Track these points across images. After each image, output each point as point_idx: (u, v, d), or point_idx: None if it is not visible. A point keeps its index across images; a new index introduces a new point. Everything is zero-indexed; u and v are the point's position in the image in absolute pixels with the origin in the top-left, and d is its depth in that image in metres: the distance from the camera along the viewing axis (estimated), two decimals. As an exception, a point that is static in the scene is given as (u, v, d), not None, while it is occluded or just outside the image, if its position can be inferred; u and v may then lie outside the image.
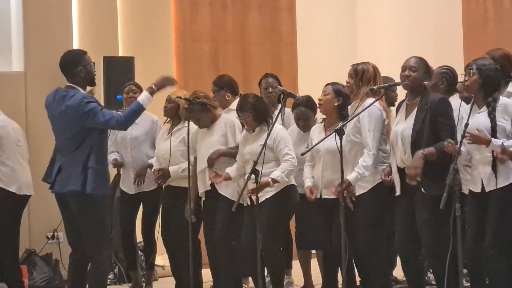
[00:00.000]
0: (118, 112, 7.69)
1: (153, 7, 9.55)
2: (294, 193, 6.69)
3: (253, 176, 6.02)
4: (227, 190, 6.82)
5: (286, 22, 10.32)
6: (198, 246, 7.21)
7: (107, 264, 6.12)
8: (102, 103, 8.37)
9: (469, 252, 5.68)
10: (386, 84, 6.21)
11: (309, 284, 7.51)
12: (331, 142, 6.03)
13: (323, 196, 6.44)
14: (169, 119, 7.46)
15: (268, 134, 6.26)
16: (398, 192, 5.97)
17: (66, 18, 8.73)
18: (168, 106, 7.37)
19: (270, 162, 6.51)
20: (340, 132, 5.76)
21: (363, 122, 6.12)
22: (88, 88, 6.26)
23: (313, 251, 7.38)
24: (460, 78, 6.08)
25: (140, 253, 8.09)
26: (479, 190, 5.73)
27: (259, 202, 6.41)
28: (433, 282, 6.39)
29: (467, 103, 5.84)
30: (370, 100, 6.12)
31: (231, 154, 6.89)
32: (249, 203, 6.62)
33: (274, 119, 6.48)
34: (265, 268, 6.63)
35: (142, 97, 6.06)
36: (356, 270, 6.54)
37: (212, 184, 6.87)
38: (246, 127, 6.76)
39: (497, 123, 5.64)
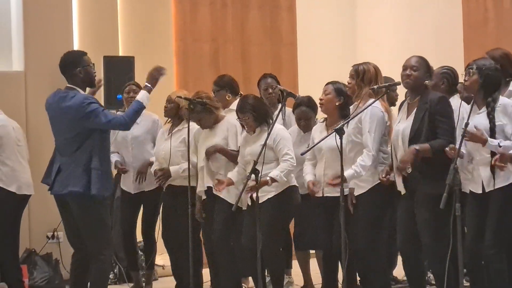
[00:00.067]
0: (118, 112, 7.73)
1: (153, 7, 9.55)
2: (295, 194, 6.69)
3: (253, 176, 6.02)
4: (226, 194, 6.81)
5: (286, 22, 10.32)
6: (199, 245, 7.21)
7: (108, 263, 6.13)
8: (102, 102, 8.38)
9: (469, 252, 5.68)
10: (387, 84, 6.21)
11: (308, 284, 7.51)
12: (333, 140, 6.02)
13: (325, 194, 6.45)
14: (169, 119, 7.45)
15: (268, 134, 6.26)
16: (403, 191, 5.97)
17: (66, 18, 8.73)
18: (168, 106, 7.37)
19: (271, 162, 6.51)
20: (340, 132, 5.76)
21: (364, 123, 6.12)
22: (90, 89, 6.27)
23: (312, 251, 7.38)
24: (461, 78, 6.08)
25: (140, 252, 8.09)
26: (480, 191, 5.74)
27: (260, 202, 6.43)
28: (433, 282, 6.39)
29: (468, 103, 5.84)
30: (372, 101, 6.11)
31: (228, 154, 6.87)
32: (249, 204, 6.62)
33: (274, 119, 6.48)
34: (265, 268, 6.64)
35: (141, 96, 6.09)
36: (356, 270, 6.54)
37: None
38: (246, 129, 6.75)
39: (496, 123, 5.64)
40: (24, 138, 7.50)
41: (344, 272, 5.83)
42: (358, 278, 6.55)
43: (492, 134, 5.62)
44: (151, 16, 9.53)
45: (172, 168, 7.20)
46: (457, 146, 5.51)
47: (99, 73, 8.28)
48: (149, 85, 6.15)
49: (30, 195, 7.30)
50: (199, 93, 7.03)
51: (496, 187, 5.67)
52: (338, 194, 5.83)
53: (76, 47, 8.74)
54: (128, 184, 7.72)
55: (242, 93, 7.58)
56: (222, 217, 6.84)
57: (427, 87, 5.97)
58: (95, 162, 5.90)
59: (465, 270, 5.72)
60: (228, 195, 6.78)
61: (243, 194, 6.11)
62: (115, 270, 8.30)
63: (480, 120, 5.66)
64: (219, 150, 6.88)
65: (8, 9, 8.71)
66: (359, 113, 6.06)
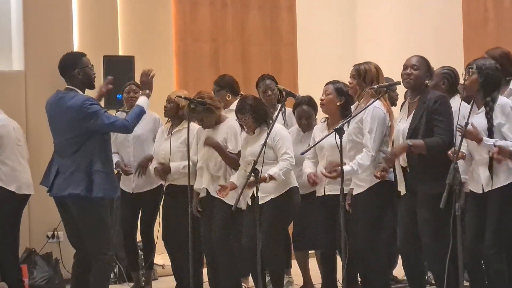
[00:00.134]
0: (118, 112, 7.73)
1: (153, 6, 9.56)
2: (296, 194, 6.70)
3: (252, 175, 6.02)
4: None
5: (286, 22, 10.33)
6: (199, 245, 7.20)
7: (109, 263, 6.14)
8: (102, 102, 8.39)
9: (469, 252, 5.68)
10: (387, 84, 6.21)
11: (308, 284, 7.52)
12: (334, 139, 6.01)
13: (327, 193, 6.45)
14: (169, 119, 7.45)
15: (268, 134, 6.25)
16: (403, 191, 5.97)
17: (66, 18, 8.73)
18: (168, 106, 7.37)
19: (271, 162, 6.50)
20: (340, 131, 5.76)
21: (365, 123, 6.12)
22: (98, 93, 6.26)
23: (311, 251, 7.39)
24: (462, 78, 6.08)
25: (140, 252, 8.09)
26: (480, 191, 5.74)
27: (262, 203, 6.46)
28: (433, 282, 6.38)
29: (468, 103, 5.84)
30: (372, 100, 6.10)
31: (223, 153, 6.84)
32: (250, 204, 6.61)
33: (274, 119, 6.48)
34: (265, 268, 6.64)
35: (142, 101, 6.14)
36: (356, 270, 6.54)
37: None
38: (245, 129, 6.75)
39: (494, 123, 5.64)
40: (24, 138, 7.50)
41: (344, 272, 5.83)
42: (359, 279, 6.55)
43: (490, 134, 5.62)
44: (151, 16, 9.53)
45: (172, 164, 7.19)
46: (457, 146, 5.51)
47: (99, 73, 8.29)
48: (146, 91, 6.16)
49: (30, 195, 7.30)
50: (201, 93, 7.03)
51: (494, 187, 5.67)
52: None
53: (76, 46, 8.75)
54: (127, 184, 7.72)
55: (242, 93, 7.57)
56: (221, 217, 6.84)
57: (428, 86, 5.97)
58: (98, 165, 5.91)
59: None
60: (227, 198, 6.77)
61: (243, 193, 6.12)
62: (115, 270, 8.29)
63: (478, 120, 5.66)
64: (216, 146, 6.86)
65: (8, 9, 8.71)
66: (359, 113, 6.06)
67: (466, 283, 5.90)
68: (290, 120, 7.52)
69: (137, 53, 8.96)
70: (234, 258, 6.89)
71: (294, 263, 7.62)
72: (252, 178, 5.99)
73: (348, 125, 6.16)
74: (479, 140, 5.56)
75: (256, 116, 6.66)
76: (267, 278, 6.93)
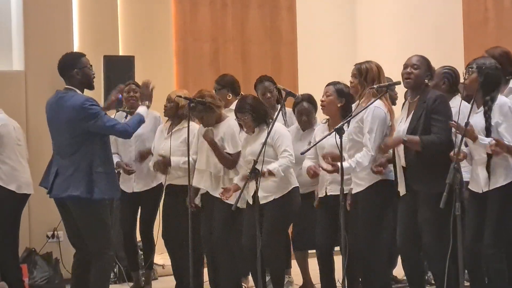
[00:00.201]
0: (117, 112, 7.72)
1: (154, 6, 9.56)
2: (297, 195, 6.70)
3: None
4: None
5: (286, 21, 10.33)
6: (199, 245, 7.21)
7: (109, 263, 6.15)
8: (102, 102, 8.39)
9: (469, 252, 5.67)
10: (387, 83, 6.20)
11: (308, 283, 7.52)
12: (334, 139, 6.01)
13: (328, 193, 6.45)
14: (169, 119, 7.46)
15: (268, 133, 6.25)
16: (403, 191, 5.97)
17: (66, 17, 8.73)
18: (168, 105, 7.37)
19: (271, 161, 6.49)
20: (340, 131, 5.76)
21: (365, 123, 6.11)
22: (111, 97, 6.26)
23: (311, 250, 7.38)
24: (462, 78, 6.08)
25: (140, 252, 8.10)
26: (479, 191, 5.73)
27: (265, 202, 6.48)
28: (433, 282, 6.38)
29: (468, 103, 5.84)
30: (373, 100, 6.09)
31: (217, 151, 6.83)
32: (251, 203, 6.61)
33: (274, 118, 6.47)
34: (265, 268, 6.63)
35: (142, 111, 6.16)
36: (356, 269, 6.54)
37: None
38: (245, 129, 6.74)
39: (492, 122, 5.63)
40: (24, 138, 7.50)
41: (344, 272, 5.83)
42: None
43: (488, 134, 5.62)
44: (151, 15, 9.53)
45: (173, 158, 7.18)
46: (456, 145, 5.51)
47: (99, 73, 8.30)
48: (147, 102, 6.23)
49: (29, 195, 7.30)
50: (202, 91, 7.03)
51: (492, 187, 5.66)
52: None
53: (76, 46, 8.75)
54: (127, 184, 7.70)
55: (243, 93, 7.57)
56: (221, 217, 6.84)
57: (428, 86, 5.97)
58: (98, 165, 5.91)
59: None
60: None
61: (242, 191, 6.13)
62: (115, 270, 8.29)
63: (477, 119, 5.66)
64: (211, 142, 6.85)
65: (8, 9, 8.71)
66: (359, 112, 6.06)
67: (467, 283, 5.90)
68: (290, 120, 7.52)
69: (137, 53, 8.97)
70: (234, 257, 6.88)
71: (294, 263, 7.62)
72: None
73: (348, 125, 6.16)
74: (474, 139, 5.56)
75: (256, 116, 6.66)
76: (267, 278, 6.93)
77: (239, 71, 9.62)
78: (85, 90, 6.09)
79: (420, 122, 5.84)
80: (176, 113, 7.32)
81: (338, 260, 6.23)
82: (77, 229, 6.03)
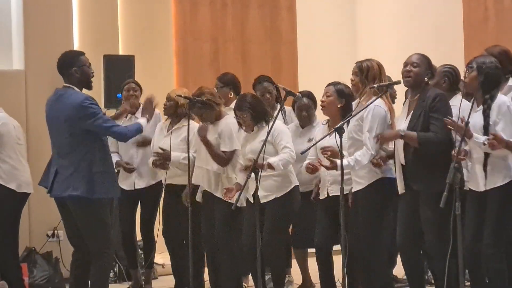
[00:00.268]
0: (118, 111, 7.72)
1: (154, 6, 9.56)
2: (297, 194, 6.70)
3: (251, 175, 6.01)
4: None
5: (286, 21, 10.34)
6: (200, 245, 7.21)
7: (108, 262, 6.15)
8: (102, 101, 8.40)
9: (469, 252, 5.65)
10: (387, 83, 6.19)
11: (307, 282, 7.52)
12: (334, 139, 6.00)
13: (330, 194, 6.44)
14: (168, 117, 7.45)
15: (268, 133, 6.23)
16: (401, 190, 5.97)
17: (66, 17, 8.73)
18: (167, 104, 7.37)
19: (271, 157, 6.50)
20: (340, 131, 5.76)
21: (365, 121, 6.10)
22: (125, 108, 6.25)
23: (311, 250, 7.38)
24: (463, 76, 6.08)
25: (140, 251, 8.10)
26: (479, 189, 5.73)
27: (266, 201, 6.48)
28: (433, 281, 6.38)
29: (468, 101, 5.84)
30: (374, 99, 6.08)
31: (210, 148, 6.82)
32: (251, 202, 6.61)
33: (274, 117, 6.47)
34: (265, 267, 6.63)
35: (142, 121, 6.17)
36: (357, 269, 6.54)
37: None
38: (243, 127, 6.74)
39: (490, 121, 5.63)
40: (24, 137, 7.50)
41: (344, 271, 5.82)
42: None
43: (486, 132, 5.61)
44: (151, 15, 9.54)
45: (173, 153, 7.17)
46: (457, 144, 5.50)
47: (99, 72, 8.29)
48: (148, 116, 6.28)
49: (29, 194, 7.30)
50: (202, 88, 7.03)
51: (489, 186, 5.65)
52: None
53: (76, 46, 8.75)
54: (127, 181, 7.69)
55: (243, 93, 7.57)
56: (222, 216, 6.84)
57: (428, 84, 5.96)
58: (98, 165, 5.90)
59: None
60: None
61: (243, 189, 6.12)
62: (115, 269, 8.31)
63: (476, 117, 5.65)
64: (204, 139, 6.85)
65: (8, 8, 8.71)
66: (359, 112, 6.05)
67: (467, 283, 5.90)
68: (289, 118, 7.52)
69: (137, 52, 8.97)
70: (235, 257, 6.88)
71: (294, 262, 7.62)
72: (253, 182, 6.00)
73: (348, 125, 6.15)
74: (469, 137, 5.55)
75: (255, 114, 6.66)
76: (267, 277, 6.93)
77: (239, 71, 9.61)
78: (83, 90, 6.08)
79: (420, 120, 5.84)
80: (175, 111, 7.32)
81: (338, 259, 6.23)
82: (77, 228, 6.03)
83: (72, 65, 5.99)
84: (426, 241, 5.87)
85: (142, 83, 7.93)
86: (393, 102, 7.32)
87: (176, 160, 7.14)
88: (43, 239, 8.37)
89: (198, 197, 7.03)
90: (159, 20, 9.62)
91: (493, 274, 5.73)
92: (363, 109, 6.04)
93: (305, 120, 7.22)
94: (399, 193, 5.99)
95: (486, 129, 5.63)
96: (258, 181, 5.93)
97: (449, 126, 5.57)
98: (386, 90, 6.14)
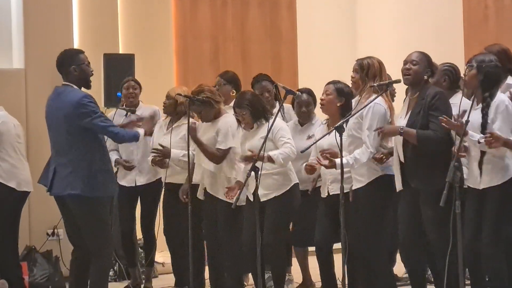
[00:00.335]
0: (117, 109, 7.72)
1: (154, 4, 9.56)
2: (297, 192, 6.70)
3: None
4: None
5: (286, 20, 10.34)
6: (201, 244, 7.21)
7: (108, 261, 6.15)
8: (102, 100, 8.40)
9: (468, 250, 5.65)
10: (387, 81, 6.19)
11: (307, 281, 7.51)
12: (333, 138, 5.99)
13: (331, 193, 6.44)
14: (167, 116, 7.45)
15: (269, 131, 6.23)
16: (399, 186, 5.96)
17: (66, 15, 8.73)
18: (167, 102, 7.37)
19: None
20: (340, 130, 5.76)
21: (365, 119, 6.10)
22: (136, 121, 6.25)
23: (311, 248, 7.38)
24: (463, 75, 6.07)
25: (140, 250, 8.09)
26: (477, 187, 5.72)
27: (266, 200, 6.48)
28: (433, 280, 6.37)
29: (469, 100, 5.84)
30: (374, 97, 6.08)
31: (200, 144, 6.82)
32: (251, 200, 6.61)
33: (275, 115, 6.47)
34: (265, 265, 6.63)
35: (140, 132, 6.17)
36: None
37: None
38: (243, 125, 6.74)
39: (488, 120, 5.62)
40: (24, 136, 7.50)
41: (344, 270, 5.82)
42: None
43: (483, 130, 5.61)
44: (151, 14, 9.53)
45: (173, 150, 7.17)
46: (457, 143, 5.50)
47: (99, 71, 8.29)
48: (146, 132, 6.32)
49: (29, 192, 7.30)
50: (202, 86, 7.03)
51: (485, 185, 5.64)
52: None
53: (76, 44, 8.75)
54: (127, 178, 7.68)
55: (243, 91, 7.57)
56: (224, 216, 6.84)
57: (428, 82, 5.96)
58: (96, 163, 5.90)
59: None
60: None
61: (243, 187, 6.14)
62: (115, 267, 8.31)
63: (475, 115, 5.65)
64: (194, 138, 6.84)
65: (8, 7, 8.71)
66: (359, 110, 6.05)
67: (467, 281, 5.89)
68: (288, 116, 7.50)
69: (137, 51, 8.97)
70: (237, 256, 6.87)
71: (294, 261, 7.62)
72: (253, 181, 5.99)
73: (346, 124, 6.14)
74: (464, 134, 5.54)
75: (254, 111, 6.66)
76: (267, 275, 6.93)
77: (239, 69, 9.60)
78: (82, 89, 6.07)
79: (419, 118, 5.84)
80: (175, 110, 7.32)
81: (338, 258, 6.23)
82: (77, 227, 6.03)
83: (71, 63, 5.99)
84: (429, 240, 5.86)
85: (142, 81, 7.92)
86: (392, 100, 7.33)
87: (176, 157, 7.13)
88: (43, 238, 8.37)
89: (200, 195, 7.03)
90: (159, 19, 9.62)
91: (493, 273, 5.73)
92: (363, 108, 6.04)
93: (305, 117, 7.21)
94: (397, 190, 5.99)
95: (483, 127, 5.62)
96: (258, 180, 5.94)
97: (444, 124, 5.58)
98: (386, 89, 6.13)
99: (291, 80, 9.93)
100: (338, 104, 6.45)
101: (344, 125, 5.95)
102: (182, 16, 9.80)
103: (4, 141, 7.18)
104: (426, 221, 5.86)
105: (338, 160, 5.90)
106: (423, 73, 5.93)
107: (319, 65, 10.12)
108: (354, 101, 6.35)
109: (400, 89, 7.06)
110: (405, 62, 5.98)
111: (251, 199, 6.55)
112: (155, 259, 8.17)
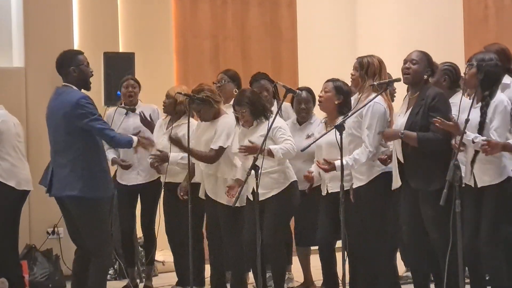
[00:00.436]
0: (118, 108, 7.72)
1: (154, 3, 9.56)
2: (296, 189, 6.69)
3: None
4: (225, 198, 6.81)
5: (286, 18, 10.33)
6: (201, 242, 7.20)
7: (107, 261, 6.16)
8: (102, 98, 8.40)
9: (468, 249, 5.64)
10: (387, 80, 6.19)
11: (308, 281, 7.51)
12: (332, 136, 6.00)
13: (330, 191, 6.44)
14: (167, 115, 7.45)
15: (269, 130, 6.23)
16: (397, 184, 5.96)
17: (66, 14, 8.72)
18: (167, 101, 7.37)
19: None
20: (340, 128, 5.76)
21: (365, 118, 6.11)
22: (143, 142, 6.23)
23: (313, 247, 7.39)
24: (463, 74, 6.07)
25: (141, 248, 8.09)
26: (472, 184, 5.72)
27: (264, 199, 6.48)
28: (433, 279, 6.37)
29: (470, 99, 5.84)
30: (373, 96, 6.08)
31: (186, 150, 6.81)
32: (251, 199, 6.61)
33: (275, 114, 6.47)
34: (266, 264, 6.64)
35: (135, 139, 6.15)
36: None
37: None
38: (242, 123, 6.74)
39: (486, 119, 5.62)
40: (24, 135, 7.50)
41: (344, 268, 5.82)
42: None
43: (480, 129, 5.61)
44: (151, 12, 9.53)
45: (171, 154, 7.17)
46: (457, 142, 5.50)
47: (99, 69, 8.29)
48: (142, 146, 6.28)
49: (29, 191, 7.30)
50: (202, 85, 7.03)
51: (481, 184, 5.64)
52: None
53: (76, 43, 8.75)
54: (126, 177, 7.68)
55: (243, 89, 7.57)
56: (224, 217, 6.85)
57: (428, 82, 5.96)
58: (95, 165, 5.91)
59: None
60: (227, 199, 6.77)
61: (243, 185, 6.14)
62: (115, 266, 8.31)
63: (474, 114, 5.64)
64: (178, 145, 6.85)
65: (8, 5, 8.71)
66: (359, 109, 6.05)
67: (467, 280, 5.89)
68: (286, 114, 7.50)
69: (137, 49, 8.97)
70: (240, 253, 6.87)
71: (295, 259, 7.62)
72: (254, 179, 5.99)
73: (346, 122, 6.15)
74: (460, 134, 5.55)
75: (254, 109, 6.66)
76: (267, 274, 6.94)
77: (239, 68, 9.58)
78: (82, 91, 6.07)
79: (418, 118, 5.84)
80: (174, 109, 7.32)
81: (339, 257, 6.23)
82: (76, 227, 6.04)
83: (70, 64, 5.99)
84: (431, 240, 5.85)
85: (142, 80, 7.93)
86: (392, 100, 7.33)
87: (174, 161, 7.15)
88: (43, 237, 8.37)
89: (202, 194, 7.03)
90: (159, 18, 9.62)
91: (492, 271, 5.73)
92: (361, 107, 6.04)
93: (303, 115, 7.21)
94: (394, 188, 5.98)
95: (481, 126, 5.62)
96: (258, 178, 5.94)
97: (438, 125, 5.57)
98: (386, 88, 6.13)
99: (291, 79, 9.93)
100: (336, 102, 6.46)
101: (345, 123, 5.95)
102: (182, 15, 9.79)
103: (4, 140, 7.18)
104: (426, 220, 5.86)
105: (337, 162, 5.91)
106: (423, 73, 5.93)
107: (319, 64, 10.12)
108: (353, 99, 6.35)
109: (401, 88, 7.07)
110: (405, 61, 5.98)
111: (251, 198, 6.55)
112: (155, 258, 8.17)
